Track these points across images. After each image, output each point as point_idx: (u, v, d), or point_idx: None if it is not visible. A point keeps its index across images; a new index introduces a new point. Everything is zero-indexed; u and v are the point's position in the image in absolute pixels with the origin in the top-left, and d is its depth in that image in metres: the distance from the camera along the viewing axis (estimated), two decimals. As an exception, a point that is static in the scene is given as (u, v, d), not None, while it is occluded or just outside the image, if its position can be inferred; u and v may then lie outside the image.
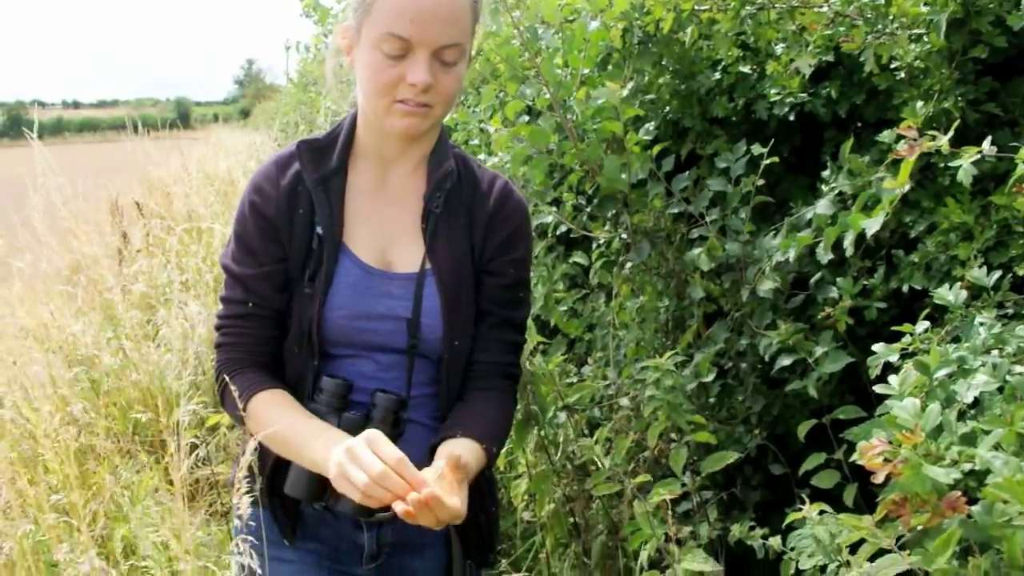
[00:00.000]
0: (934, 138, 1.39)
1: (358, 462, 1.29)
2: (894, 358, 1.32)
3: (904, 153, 1.29)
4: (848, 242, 1.68)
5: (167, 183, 8.71)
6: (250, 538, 1.64)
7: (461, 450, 1.43)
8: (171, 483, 2.87)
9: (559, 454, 2.54)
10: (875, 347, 1.38)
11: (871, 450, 0.96)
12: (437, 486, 1.29)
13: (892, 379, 1.15)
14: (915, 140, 1.29)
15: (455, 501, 1.30)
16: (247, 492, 1.59)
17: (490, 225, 1.58)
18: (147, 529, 2.00)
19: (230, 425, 3.47)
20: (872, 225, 1.61)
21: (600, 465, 1.97)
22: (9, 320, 3.91)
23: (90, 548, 1.66)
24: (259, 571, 1.63)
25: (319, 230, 1.51)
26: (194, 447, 3.18)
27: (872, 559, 1.37)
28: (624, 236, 2.39)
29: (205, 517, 3.13)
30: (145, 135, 11.33)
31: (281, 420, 1.46)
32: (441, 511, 1.28)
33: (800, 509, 1.52)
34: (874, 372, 1.36)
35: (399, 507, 1.26)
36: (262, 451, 1.54)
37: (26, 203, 4.79)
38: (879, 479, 0.94)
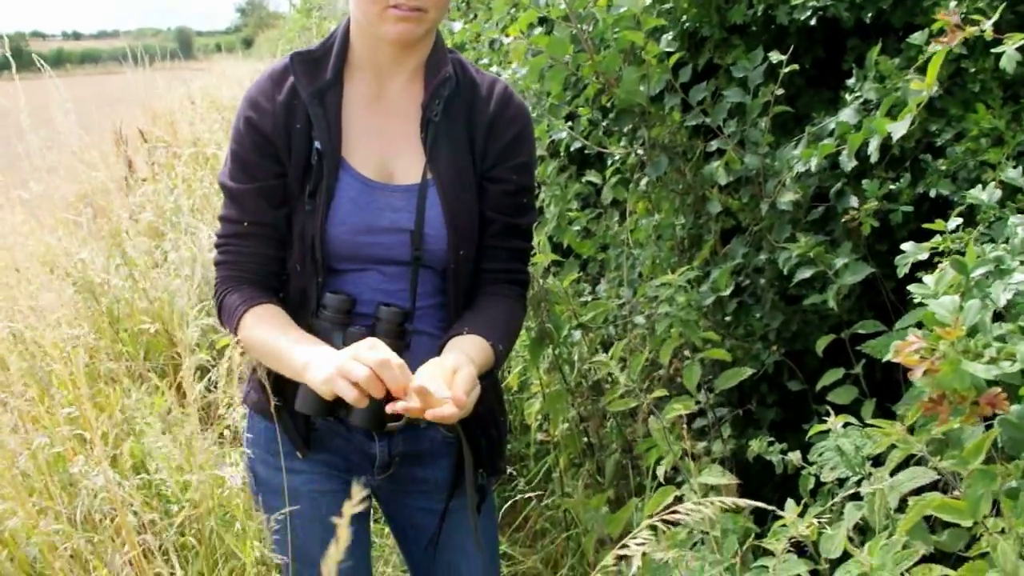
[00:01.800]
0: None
1: (360, 358, 1.27)
2: (924, 256, 1.29)
3: (947, 40, 1.23)
4: (873, 148, 1.63)
5: (171, 112, 8.62)
6: (247, 450, 1.66)
7: (467, 347, 1.41)
8: (183, 406, 2.87)
9: (573, 373, 2.53)
10: (904, 246, 1.33)
11: (907, 347, 0.92)
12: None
13: (927, 278, 1.11)
14: (959, 25, 1.23)
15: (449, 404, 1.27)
16: (254, 404, 1.59)
17: (491, 131, 1.54)
18: (158, 444, 2.00)
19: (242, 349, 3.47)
20: (898, 129, 1.55)
21: (616, 381, 1.95)
22: (17, 248, 3.89)
23: (103, 461, 1.66)
24: (264, 477, 1.64)
25: (317, 145, 1.47)
26: (206, 371, 3.19)
27: (894, 473, 1.36)
28: (640, 152, 2.33)
29: (217, 440, 3.14)
30: (147, 66, 11.22)
31: (266, 334, 1.45)
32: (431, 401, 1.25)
33: (824, 421, 1.50)
34: (902, 271, 1.33)
35: (398, 405, 1.25)
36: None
37: (32, 134, 4.74)
38: (916, 375, 0.91)
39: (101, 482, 1.60)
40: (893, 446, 1.19)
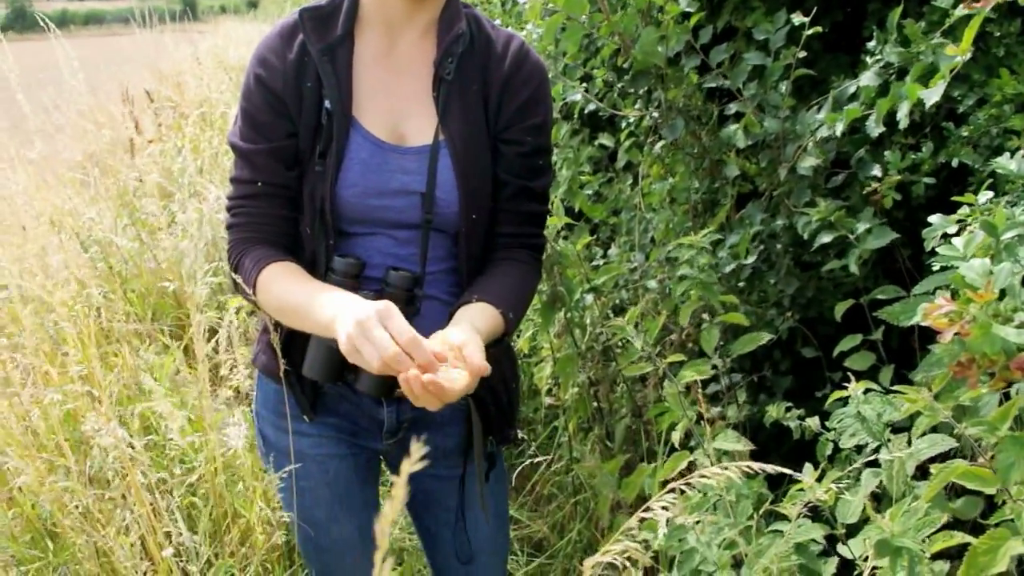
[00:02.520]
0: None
1: (371, 339, 1.20)
2: (951, 229, 1.26)
3: (983, 3, 1.20)
4: (902, 114, 1.59)
5: (179, 73, 8.56)
6: (256, 411, 1.64)
7: (476, 315, 1.38)
8: (192, 366, 2.87)
9: (584, 337, 2.52)
10: (932, 218, 1.31)
11: (936, 310, 0.90)
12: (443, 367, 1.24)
13: (956, 240, 1.09)
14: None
15: (458, 384, 1.23)
16: (263, 366, 1.57)
17: (505, 90, 1.48)
18: (167, 405, 1.99)
19: (250, 310, 3.46)
20: (931, 96, 1.51)
21: (630, 347, 1.93)
22: (25, 207, 3.88)
23: (112, 419, 1.66)
24: (272, 440, 1.63)
25: (327, 104, 1.43)
26: (215, 332, 3.18)
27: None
28: (655, 115, 2.30)
29: (227, 401, 3.15)
30: (152, 27, 11.15)
31: (285, 290, 1.40)
32: (445, 396, 1.21)
33: (844, 387, 1.48)
34: (929, 244, 1.30)
35: (410, 372, 1.18)
36: (279, 330, 1.51)
37: (39, 95, 4.71)
38: (945, 339, 0.89)
39: (110, 441, 1.59)
40: (917, 413, 1.18)
